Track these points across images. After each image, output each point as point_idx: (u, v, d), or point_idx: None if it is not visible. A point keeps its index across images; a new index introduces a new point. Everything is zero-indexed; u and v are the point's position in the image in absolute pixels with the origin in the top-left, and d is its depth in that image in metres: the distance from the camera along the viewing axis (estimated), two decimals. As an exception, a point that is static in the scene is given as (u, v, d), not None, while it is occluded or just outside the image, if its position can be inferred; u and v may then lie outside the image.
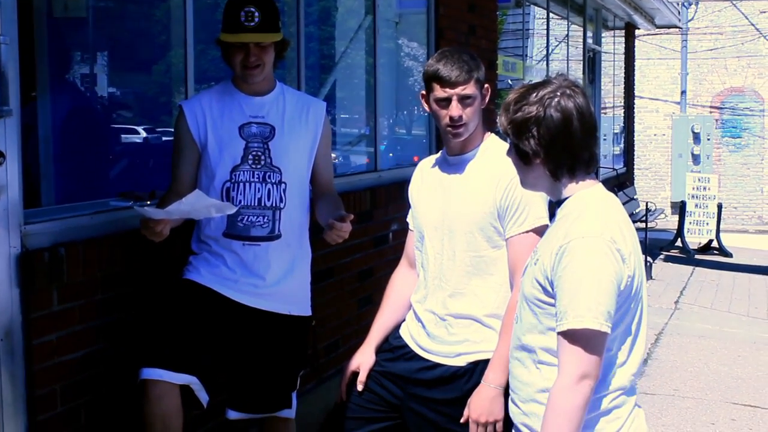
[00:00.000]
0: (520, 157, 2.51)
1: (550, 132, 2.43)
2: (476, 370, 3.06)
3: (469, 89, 3.06)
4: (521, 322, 2.54)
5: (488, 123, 3.23)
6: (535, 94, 2.46)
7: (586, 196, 2.48)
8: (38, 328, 3.15)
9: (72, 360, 3.32)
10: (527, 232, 2.99)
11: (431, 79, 3.10)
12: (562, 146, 2.44)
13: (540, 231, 2.94)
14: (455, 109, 3.06)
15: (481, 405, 2.91)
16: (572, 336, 2.30)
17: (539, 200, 3.02)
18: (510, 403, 2.63)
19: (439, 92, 3.08)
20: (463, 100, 3.06)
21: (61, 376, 3.27)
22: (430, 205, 3.20)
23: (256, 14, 3.37)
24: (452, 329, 3.12)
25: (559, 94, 2.45)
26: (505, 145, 3.20)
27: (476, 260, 3.09)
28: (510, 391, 2.64)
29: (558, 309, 2.35)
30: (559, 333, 2.34)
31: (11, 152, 3.07)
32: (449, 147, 3.19)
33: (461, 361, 3.09)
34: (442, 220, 3.14)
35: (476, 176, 3.12)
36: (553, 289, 2.38)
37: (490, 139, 3.21)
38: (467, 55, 3.11)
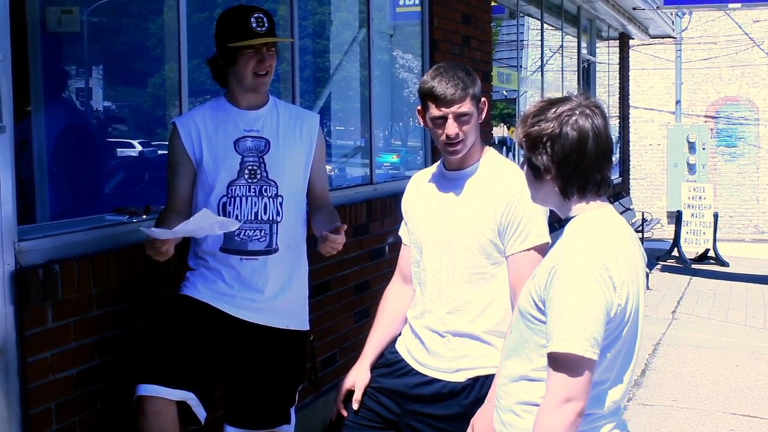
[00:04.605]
0: (532, 171, 2.49)
1: (564, 150, 2.40)
2: (475, 385, 3.04)
3: (465, 107, 3.03)
4: (513, 333, 2.54)
5: (484, 136, 3.22)
6: (553, 110, 2.43)
7: (591, 218, 2.45)
8: (33, 346, 3.13)
9: (67, 377, 3.30)
10: (528, 250, 2.97)
11: (426, 97, 3.06)
12: (574, 165, 2.41)
13: (541, 249, 2.92)
14: (451, 127, 3.03)
15: (486, 425, 2.88)
16: (557, 359, 2.30)
17: (541, 218, 3.00)
18: (495, 410, 2.64)
19: (435, 111, 3.04)
20: (459, 117, 3.03)
21: (56, 394, 3.25)
22: (428, 220, 3.17)
23: (265, 20, 3.41)
24: (451, 345, 3.09)
25: (578, 112, 2.42)
26: (504, 160, 3.20)
27: (475, 276, 3.07)
28: (496, 398, 2.64)
29: (547, 330, 2.34)
30: (547, 354, 2.34)
31: (5, 168, 3.05)
32: (447, 161, 3.17)
33: (460, 377, 3.07)
34: (441, 235, 3.11)
35: (476, 192, 3.09)
36: (544, 307, 2.37)
37: (489, 153, 3.18)
38: (462, 71, 3.07)
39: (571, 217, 2.49)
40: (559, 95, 2.58)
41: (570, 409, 2.28)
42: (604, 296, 2.30)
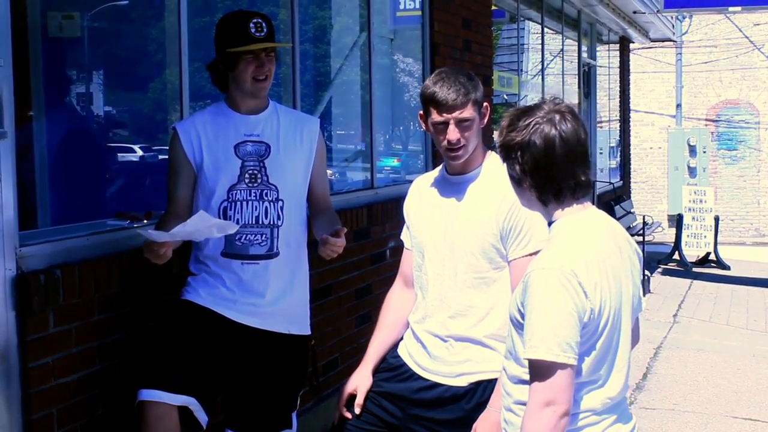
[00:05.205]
0: (512, 180, 2.53)
1: (533, 158, 2.43)
2: (477, 390, 3.04)
3: (467, 112, 3.02)
4: (508, 336, 2.57)
5: (486, 140, 3.21)
6: (524, 119, 2.46)
7: (567, 223, 2.47)
8: (34, 351, 3.13)
9: (69, 382, 3.30)
10: (530, 255, 2.96)
11: (428, 102, 3.06)
12: (545, 173, 2.44)
13: None
14: (453, 133, 3.02)
15: (488, 430, 2.88)
16: (532, 365, 2.34)
17: (542, 222, 2.99)
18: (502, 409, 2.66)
19: (436, 116, 3.04)
20: (461, 123, 3.03)
21: (57, 399, 3.24)
22: (430, 225, 3.17)
23: (264, 25, 3.42)
24: (453, 350, 3.09)
25: (544, 120, 2.44)
26: None
27: (477, 281, 3.07)
28: (502, 397, 2.65)
29: (524, 336, 2.38)
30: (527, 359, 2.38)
31: (6, 174, 3.06)
32: (450, 166, 3.16)
33: (462, 381, 3.07)
34: (443, 240, 3.11)
35: (478, 197, 3.09)
36: (524, 311, 2.41)
37: (491, 158, 3.17)
38: (464, 77, 3.06)
39: (551, 223, 2.51)
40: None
41: (551, 413, 2.31)
42: (573, 302, 2.32)
